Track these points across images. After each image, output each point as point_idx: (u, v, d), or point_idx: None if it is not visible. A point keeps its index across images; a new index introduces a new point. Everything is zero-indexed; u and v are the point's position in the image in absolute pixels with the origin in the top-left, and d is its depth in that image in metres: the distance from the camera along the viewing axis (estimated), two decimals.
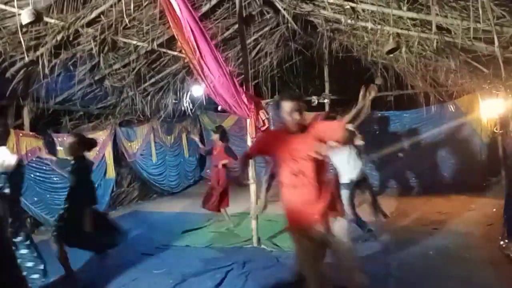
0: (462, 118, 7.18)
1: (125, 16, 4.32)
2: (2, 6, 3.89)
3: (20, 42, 4.04)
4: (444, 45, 4.49)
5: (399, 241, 4.62)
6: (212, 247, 4.92)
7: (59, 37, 4.50)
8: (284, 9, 5.46)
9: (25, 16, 3.49)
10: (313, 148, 2.43)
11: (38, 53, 4.65)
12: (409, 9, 3.95)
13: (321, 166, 2.47)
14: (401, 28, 4.54)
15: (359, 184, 4.65)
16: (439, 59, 5.17)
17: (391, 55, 5.27)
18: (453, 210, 6.01)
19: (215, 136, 5.91)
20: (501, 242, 4.21)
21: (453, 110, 7.34)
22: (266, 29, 6.62)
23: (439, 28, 4.01)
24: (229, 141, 6.14)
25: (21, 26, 3.79)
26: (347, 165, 4.55)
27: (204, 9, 5.22)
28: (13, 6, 3.79)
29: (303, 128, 2.52)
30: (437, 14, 3.59)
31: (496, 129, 6.72)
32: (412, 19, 4.20)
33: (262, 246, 4.74)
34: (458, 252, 4.25)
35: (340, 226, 2.49)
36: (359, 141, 4.59)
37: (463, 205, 6.25)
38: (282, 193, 2.60)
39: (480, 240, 4.66)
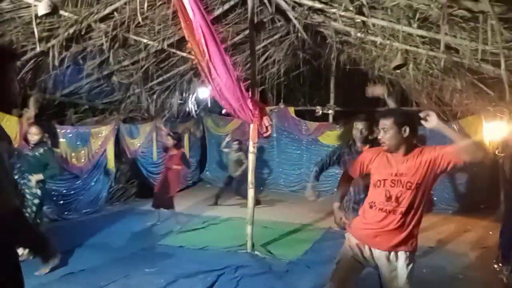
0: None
1: (138, 14, 4.37)
2: None
3: (32, 32, 4.09)
4: (451, 65, 4.52)
5: None
6: (206, 250, 4.91)
7: (71, 30, 4.56)
8: (296, 18, 5.51)
9: (42, 8, 3.55)
10: (419, 176, 2.21)
11: (49, 44, 4.70)
12: (419, 27, 3.98)
13: (420, 195, 2.24)
14: (410, 45, 4.57)
15: None
16: (446, 78, 5.19)
17: (398, 71, 5.31)
18: (449, 230, 6.00)
19: (171, 142, 6.07)
20: (495, 265, 4.21)
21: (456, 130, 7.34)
22: (276, 36, 6.68)
23: (448, 47, 4.04)
24: (182, 147, 6.58)
25: (36, 17, 3.85)
26: None
27: (217, 13, 5.27)
28: None
29: (407, 149, 2.27)
30: (446, 34, 3.62)
31: (498, 152, 6.72)
32: (422, 36, 4.23)
33: (256, 252, 4.73)
34: (452, 272, 4.24)
35: (404, 264, 2.28)
36: None
37: (459, 226, 6.23)
38: (363, 209, 2.45)
39: (474, 261, 4.65)
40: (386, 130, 2.26)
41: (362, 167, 2.52)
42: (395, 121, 2.26)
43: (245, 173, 8.11)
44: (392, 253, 2.29)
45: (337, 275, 2.46)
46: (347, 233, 2.54)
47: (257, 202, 7.45)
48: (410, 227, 2.27)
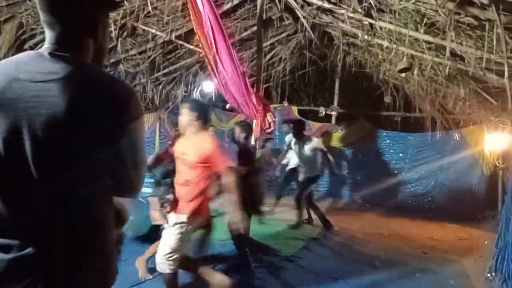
0: (466, 148, 7.19)
1: (149, 4, 4.41)
2: None
3: None
4: (456, 72, 4.53)
5: (387, 260, 4.65)
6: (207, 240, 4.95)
7: None
8: (304, 17, 5.52)
9: None
10: (195, 158, 2.74)
11: None
12: (425, 32, 4.00)
13: (199, 174, 2.78)
14: (416, 50, 4.59)
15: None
16: (450, 85, 5.21)
17: (403, 76, 5.32)
18: (445, 237, 6.02)
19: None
20: (488, 275, 4.23)
21: (457, 139, 7.35)
22: (284, 35, 6.69)
23: (453, 54, 4.06)
24: None
25: None
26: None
27: (226, 7, 5.30)
28: None
29: (195, 133, 2.85)
30: (452, 40, 3.64)
31: (498, 163, 6.74)
32: (428, 42, 4.24)
33: None
34: (444, 278, 4.27)
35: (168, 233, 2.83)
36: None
37: (455, 234, 6.25)
38: None
39: (467, 269, 4.67)
40: (182, 114, 2.86)
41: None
42: (189, 107, 2.85)
43: None
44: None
45: None
46: None
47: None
48: (190, 198, 2.79)
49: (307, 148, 5.70)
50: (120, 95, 1.09)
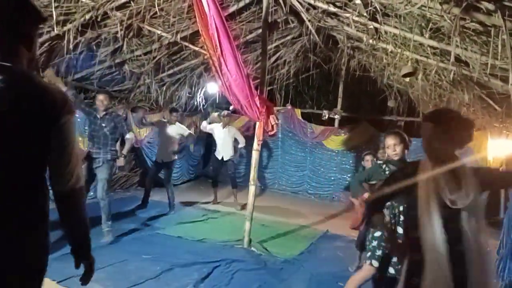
0: (469, 154, 7.15)
1: (155, 5, 4.44)
2: None
3: (50, 15, 4.17)
4: (460, 78, 4.53)
5: None
6: (203, 242, 4.97)
7: (87, 16, 4.63)
8: (309, 21, 5.54)
9: None
10: None
11: (65, 28, 4.78)
12: (430, 37, 4.00)
13: None
14: (421, 55, 4.59)
15: None
16: (454, 91, 5.20)
17: (407, 80, 5.32)
18: None
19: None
20: None
21: None
22: (288, 38, 6.71)
23: (458, 59, 4.06)
24: None
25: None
26: None
27: (231, 9, 5.32)
28: None
29: None
30: (457, 46, 3.64)
31: (502, 169, 6.69)
32: (433, 47, 4.25)
33: (252, 248, 4.78)
34: None
35: None
36: None
37: None
38: None
39: None
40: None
41: None
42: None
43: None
44: None
45: None
46: None
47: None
48: None
49: None
50: (56, 99, 1.30)
